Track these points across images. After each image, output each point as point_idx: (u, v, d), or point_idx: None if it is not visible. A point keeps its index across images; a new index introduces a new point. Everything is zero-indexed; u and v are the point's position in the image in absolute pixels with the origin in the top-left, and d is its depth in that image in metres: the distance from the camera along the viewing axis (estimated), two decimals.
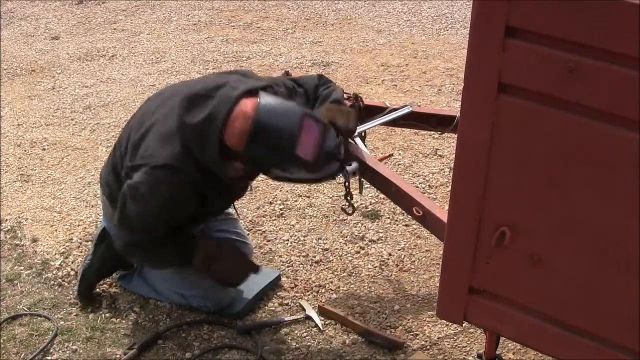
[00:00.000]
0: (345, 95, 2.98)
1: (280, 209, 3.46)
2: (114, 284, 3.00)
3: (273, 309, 2.89)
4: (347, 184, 2.74)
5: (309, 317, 2.82)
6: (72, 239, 3.26)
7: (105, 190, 2.76)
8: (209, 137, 2.40)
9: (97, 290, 2.96)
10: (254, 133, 2.35)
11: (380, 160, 2.80)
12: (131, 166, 2.54)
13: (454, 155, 1.93)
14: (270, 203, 3.50)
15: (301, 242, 3.25)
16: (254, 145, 2.36)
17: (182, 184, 2.46)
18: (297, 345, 2.71)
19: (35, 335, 2.76)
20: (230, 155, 2.43)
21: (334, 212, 3.43)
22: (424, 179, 3.67)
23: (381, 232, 3.29)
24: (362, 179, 2.72)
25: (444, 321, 2.68)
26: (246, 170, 2.52)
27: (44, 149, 4.01)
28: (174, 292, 2.85)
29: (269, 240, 3.26)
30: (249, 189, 2.86)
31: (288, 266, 3.10)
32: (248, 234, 3.27)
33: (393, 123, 3.01)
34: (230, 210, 3.05)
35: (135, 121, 2.67)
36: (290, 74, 2.97)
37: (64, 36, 5.51)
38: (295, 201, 3.52)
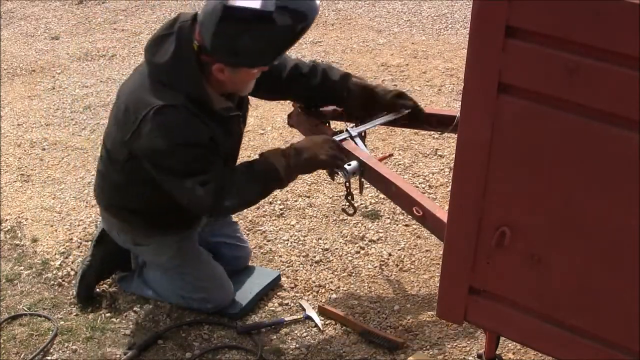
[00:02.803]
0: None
1: (280, 209, 3.46)
2: (114, 284, 3.00)
3: (273, 309, 2.89)
4: (347, 184, 2.74)
5: (309, 317, 2.82)
6: (72, 239, 3.26)
7: (114, 200, 2.73)
8: (184, 58, 2.38)
9: (97, 290, 2.96)
10: (222, 11, 2.26)
11: (380, 160, 2.80)
12: (129, 137, 2.46)
13: (454, 155, 1.93)
14: (270, 203, 3.50)
15: (301, 242, 3.25)
16: (223, 25, 2.27)
17: (185, 115, 2.39)
18: (297, 345, 2.71)
19: (35, 335, 2.76)
20: (208, 62, 2.37)
21: (334, 212, 3.43)
22: (424, 179, 3.67)
23: (381, 232, 3.29)
24: (362, 179, 2.72)
25: (444, 321, 2.68)
26: (231, 79, 2.43)
27: (44, 149, 4.01)
28: (174, 294, 2.85)
29: (269, 240, 3.26)
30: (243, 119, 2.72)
31: (288, 266, 3.10)
32: (248, 234, 3.27)
33: (393, 123, 3.00)
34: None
35: (111, 114, 2.64)
36: None
37: (64, 36, 5.51)
38: (295, 201, 3.52)
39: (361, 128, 2.82)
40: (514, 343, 2.60)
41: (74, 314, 2.87)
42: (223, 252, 2.93)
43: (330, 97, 2.78)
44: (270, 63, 2.47)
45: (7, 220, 3.43)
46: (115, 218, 2.76)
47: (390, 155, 3.68)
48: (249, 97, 2.74)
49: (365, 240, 3.25)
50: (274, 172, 2.51)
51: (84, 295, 2.91)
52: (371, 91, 2.74)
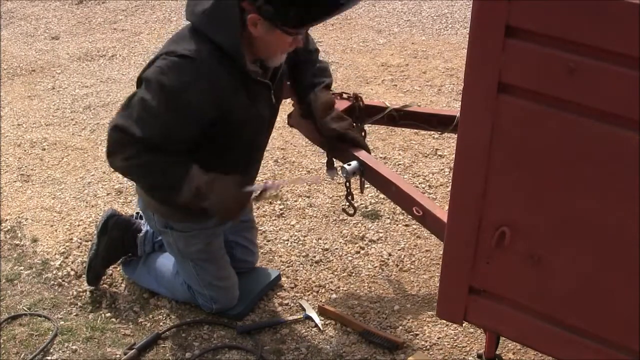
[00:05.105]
0: (345, 96, 2.98)
1: (280, 209, 3.46)
2: (114, 283, 3.01)
3: (273, 309, 2.89)
4: (347, 184, 2.74)
5: (309, 317, 2.82)
6: (72, 239, 3.26)
7: None
8: (227, 7, 2.30)
9: (98, 290, 2.96)
10: None
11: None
12: (141, 72, 2.41)
13: (454, 155, 1.93)
14: (270, 203, 3.50)
15: (301, 242, 3.25)
16: None
17: (201, 74, 2.31)
18: (297, 345, 2.71)
19: (35, 335, 2.77)
20: (247, 10, 2.29)
21: (334, 212, 3.43)
22: (424, 179, 3.67)
23: (381, 232, 3.29)
24: (363, 179, 2.72)
25: (444, 321, 2.68)
26: (264, 42, 2.36)
27: (44, 149, 4.01)
28: (180, 285, 2.84)
29: (269, 240, 3.26)
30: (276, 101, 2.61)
31: (288, 266, 3.10)
32: None
33: (393, 123, 3.01)
34: (250, 216, 3.02)
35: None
36: None
37: (64, 36, 5.51)
38: (295, 201, 3.52)
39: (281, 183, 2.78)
40: (514, 343, 2.60)
41: (74, 314, 2.88)
42: (234, 252, 2.92)
43: (295, 92, 2.80)
44: (305, 24, 2.37)
45: (7, 220, 3.43)
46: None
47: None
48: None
49: (365, 240, 3.25)
50: (177, 187, 2.40)
51: (94, 283, 2.94)
52: (313, 119, 2.72)
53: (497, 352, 2.42)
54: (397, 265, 3.11)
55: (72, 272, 3.06)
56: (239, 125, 2.48)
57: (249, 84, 2.44)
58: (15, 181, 3.74)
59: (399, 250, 3.19)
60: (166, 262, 2.91)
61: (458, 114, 2.07)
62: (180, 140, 2.40)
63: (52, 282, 3.03)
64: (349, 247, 3.21)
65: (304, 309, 2.86)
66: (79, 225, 3.36)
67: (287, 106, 3.10)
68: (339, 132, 2.69)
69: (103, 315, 2.86)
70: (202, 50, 2.33)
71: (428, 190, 3.57)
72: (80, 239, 3.26)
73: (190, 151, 2.45)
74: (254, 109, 2.50)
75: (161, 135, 2.35)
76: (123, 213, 3.32)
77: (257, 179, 2.82)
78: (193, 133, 2.40)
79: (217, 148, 2.51)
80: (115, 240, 2.91)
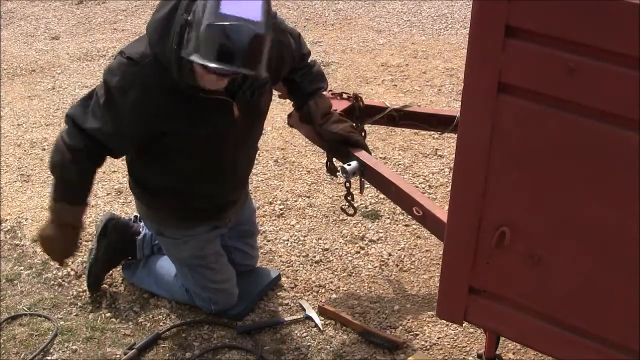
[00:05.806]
0: (345, 96, 2.98)
1: (280, 209, 3.46)
2: (114, 283, 3.01)
3: (273, 309, 2.89)
4: (347, 184, 2.74)
5: (309, 317, 2.82)
6: None
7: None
8: (172, 21, 2.25)
9: (98, 290, 2.95)
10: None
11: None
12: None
13: (454, 155, 1.93)
14: (270, 203, 3.50)
15: (301, 242, 3.25)
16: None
17: (141, 79, 2.31)
18: (297, 345, 2.71)
19: (35, 335, 2.76)
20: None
21: (334, 212, 3.43)
22: (424, 179, 3.67)
23: (381, 232, 3.29)
24: (362, 180, 2.72)
25: (444, 321, 2.68)
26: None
27: (44, 149, 4.00)
28: (179, 287, 2.85)
29: (269, 240, 3.26)
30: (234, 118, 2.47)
31: (288, 266, 3.10)
32: None
33: (393, 123, 3.01)
34: (252, 228, 3.00)
35: None
36: None
37: (64, 36, 5.50)
38: (295, 201, 3.52)
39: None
40: (514, 343, 2.60)
41: (74, 314, 2.87)
42: (233, 257, 2.91)
43: (293, 98, 2.82)
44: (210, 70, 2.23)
45: (7, 220, 3.42)
46: (139, 200, 2.74)
47: None
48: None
49: (365, 240, 3.25)
50: (54, 196, 2.66)
51: (95, 287, 2.94)
52: (313, 125, 2.73)
53: (497, 352, 2.42)
54: (397, 265, 3.11)
55: (72, 272, 3.06)
56: (190, 138, 2.43)
57: (195, 98, 2.36)
58: (15, 181, 3.74)
59: (399, 250, 3.19)
60: (165, 264, 2.91)
61: (458, 114, 2.07)
62: (123, 139, 2.44)
63: (52, 282, 3.03)
64: (349, 247, 3.21)
65: (304, 309, 2.86)
66: None
67: (287, 106, 3.10)
68: (342, 135, 2.70)
69: (103, 315, 2.86)
70: (147, 57, 2.33)
71: (428, 190, 3.57)
72: (80, 239, 3.25)
73: (144, 155, 2.52)
74: (205, 123, 2.41)
75: (106, 132, 2.38)
76: (123, 213, 3.32)
77: (254, 180, 2.83)
78: (136, 135, 2.43)
79: (182, 157, 2.50)
80: (115, 243, 2.91)
